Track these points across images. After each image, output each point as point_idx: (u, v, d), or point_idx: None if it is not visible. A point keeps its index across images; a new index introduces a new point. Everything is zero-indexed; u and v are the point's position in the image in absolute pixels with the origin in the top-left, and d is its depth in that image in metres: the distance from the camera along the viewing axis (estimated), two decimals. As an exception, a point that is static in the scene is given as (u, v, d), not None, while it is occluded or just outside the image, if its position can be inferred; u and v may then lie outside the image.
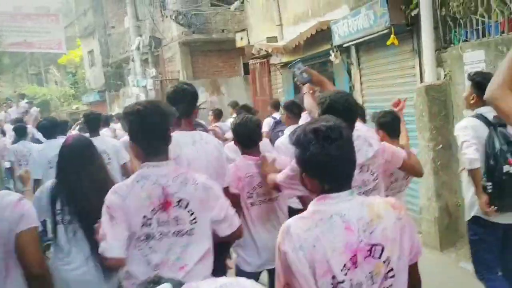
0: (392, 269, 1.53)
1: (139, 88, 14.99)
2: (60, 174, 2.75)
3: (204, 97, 11.71)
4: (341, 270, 1.48)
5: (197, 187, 2.10)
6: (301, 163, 1.60)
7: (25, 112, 13.91)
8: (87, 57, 22.41)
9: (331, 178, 1.56)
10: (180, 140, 2.49)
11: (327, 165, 1.53)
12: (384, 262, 1.52)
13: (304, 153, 1.54)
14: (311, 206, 1.58)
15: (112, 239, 1.97)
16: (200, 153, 2.62)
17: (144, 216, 2.00)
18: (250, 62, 11.04)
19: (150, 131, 2.04)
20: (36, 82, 28.60)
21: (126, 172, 4.75)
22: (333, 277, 1.47)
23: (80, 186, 2.64)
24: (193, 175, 2.15)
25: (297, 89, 7.94)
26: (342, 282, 1.48)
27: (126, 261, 2.03)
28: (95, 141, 3.39)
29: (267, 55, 9.89)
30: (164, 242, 2.04)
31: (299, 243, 1.48)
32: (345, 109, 2.30)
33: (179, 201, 2.06)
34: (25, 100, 16.28)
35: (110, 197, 2.01)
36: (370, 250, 1.51)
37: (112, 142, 5.30)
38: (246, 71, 12.86)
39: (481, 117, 3.14)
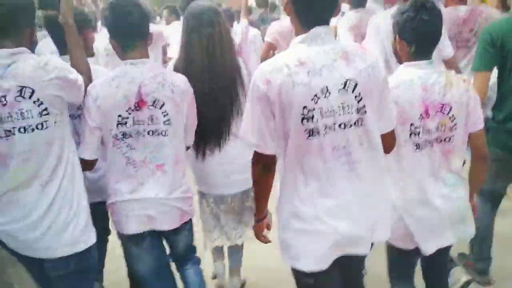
0: (455, 124, 1.94)
1: None
2: None
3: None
4: (418, 119, 1.91)
5: (174, 89, 2.08)
6: (397, 26, 1.96)
7: None
8: None
9: (417, 42, 1.92)
10: None
11: (417, 28, 1.88)
12: (450, 118, 1.93)
13: (401, 17, 1.92)
14: (399, 69, 2.00)
15: (86, 142, 2.08)
16: None
17: (119, 115, 2.03)
18: None
19: (123, 25, 2.02)
20: None
21: None
22: (411, 124, 1.91)
23: None
24: (172, 77, 2.12)
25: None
26: (418, 127, 1.91)
27: (104, 163, 2.18)
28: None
29: None
30: (140, 141, 2.07)
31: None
32: None
33: (154, 101, 2.04)
34: None
35: (85, 99, 2.04)
36: (441, 107, 1.91)
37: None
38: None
39: None
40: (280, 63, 1.61)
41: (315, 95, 1.59)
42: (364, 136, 1.68)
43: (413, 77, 1.91)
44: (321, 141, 1.63)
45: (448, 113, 1.92)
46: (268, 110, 1.63)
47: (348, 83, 1.61)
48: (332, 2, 1.66)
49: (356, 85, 1.62)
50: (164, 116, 2.06)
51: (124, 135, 2.04)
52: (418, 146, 1.93)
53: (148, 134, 2.06)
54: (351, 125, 1.65)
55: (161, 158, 2.09)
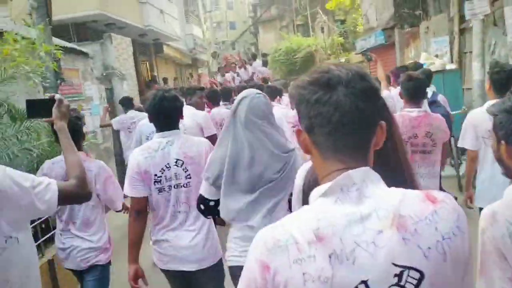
0: None
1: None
2: None
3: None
4: None
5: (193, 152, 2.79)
6: (502, 128, 1.49)
7: (253, 74, 13.50)
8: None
9: None
10: None
11: None
12: None
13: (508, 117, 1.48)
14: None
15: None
16: None
17: (155, 175, 2.73)
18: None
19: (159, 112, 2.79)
20: (302, 33, 25.85)
21: None
22: None
23: None
24: (191, 142, 2.84)
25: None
26: None
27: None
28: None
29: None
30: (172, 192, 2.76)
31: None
32: None
33: (176, 161, 2.74)
34: (258, 61, 14.96)
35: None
36: None
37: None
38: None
39: None
40: (284, 236, 0.98)
41: None
42: None
43: None
44: None
45: None
46: None
47: (404, 276, 0.95)
48: (373, 121, 1.05)
49: (420, 279, 0.95)
50: (185, 171, 2.79)
51: (160, 190, 2.83)
52: None
53: (174, 187, 2.81)
54: None
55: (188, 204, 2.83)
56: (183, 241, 2.74)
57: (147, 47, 17.08)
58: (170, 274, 2.84)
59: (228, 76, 14.12)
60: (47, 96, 2.18)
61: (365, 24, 15.56)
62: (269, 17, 28.83)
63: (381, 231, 0.96)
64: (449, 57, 9.83)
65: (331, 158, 1.03)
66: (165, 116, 2.76)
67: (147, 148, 2.78)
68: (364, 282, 0.94)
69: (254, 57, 16.49)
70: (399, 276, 0.95)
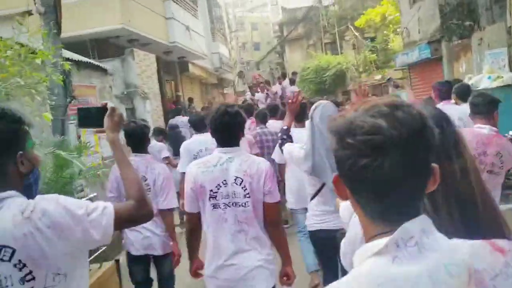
0: None
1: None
2: None
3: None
4: None
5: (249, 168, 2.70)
6: None
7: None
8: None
9: None
10: None
11: None
12: None
13: None
14: None
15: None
16: None
17: (211, 190, 2.67)
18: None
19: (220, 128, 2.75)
20: (330, 51, 25.53)
21: None
22: None
23: None
24: (252, 160, 2.76)
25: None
26: None
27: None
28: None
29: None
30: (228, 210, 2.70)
31: None
32: None
33: (235, 179, 2.66)
34: (287, 80, 14.51)
35: None
36: None
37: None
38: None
39: None
40: None
41: None
42: None
43: None
44: None
45: None
46: None
47: None
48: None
49: None
50: (244, 190, 2.69)
51: (215, 206, 2.76)
52: None
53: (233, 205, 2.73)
54: None
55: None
56: (247, 262, 2.70)
57: (172, 65, 16.48)
58: None
59: (259, 95, 13.68)
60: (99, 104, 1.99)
61: (405, 38, 14.40)
62: (296, 36, 28.40)
63: None
64: (508, 71, 8.81)
65: (377, 220, 0.93)
66: (227, 131, 2.74)
67: (205, 162, 2.76)
68: None
69: (284, 76, 15.74)
70: None
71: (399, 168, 0.87)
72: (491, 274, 0.89)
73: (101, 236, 1.53)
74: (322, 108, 3.10)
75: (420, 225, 0.90)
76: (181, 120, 9.05)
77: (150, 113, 10.65)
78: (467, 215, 1.12)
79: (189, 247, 2.92)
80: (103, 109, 1.86)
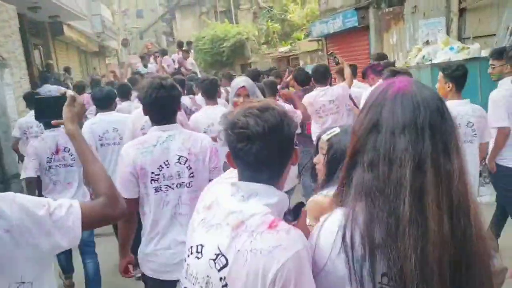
0: None
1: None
2: None
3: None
4: None
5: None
6: None
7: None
8: None
9: None
10: None
11: None
12: None
13: None
14: None
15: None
16: None
17: (152, 172, 2.52)
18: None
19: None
20: (227, 20, 23.14)
21: None
22: None
23: None
24: (195, 137, 2.68)
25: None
26: None
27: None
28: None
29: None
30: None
31: None
32: None
33: (178, 159, 2.56)
34: (167, 57, 12.68)
35: None
36: None
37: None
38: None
39: None
40: None
41: None
42: None
43: None
44: None
45: None
46: None
47: None
48: None
49: None
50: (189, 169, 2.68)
51: (157, 189, 2.71)
52: None
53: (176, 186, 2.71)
54: None
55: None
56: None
57: (42, 26, 13.72)
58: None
59: (151, 67, 12.04)
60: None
61: (322, 5, 13.20)
62: (187, 1, 25.93)
63: None
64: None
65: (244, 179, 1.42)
66: (163, 107, 2.59)
67: (143, 142, 2.60)
68: None
69: (180, 46, 13.42)
70: None
71: (263, 151, 1.33)
72: None
73: (67, 239, 1.44)
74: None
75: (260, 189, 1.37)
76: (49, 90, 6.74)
77: (12, 86, 8.05)
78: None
79: (123, 240, 2.69)
80: (62, 98, 1.76)
